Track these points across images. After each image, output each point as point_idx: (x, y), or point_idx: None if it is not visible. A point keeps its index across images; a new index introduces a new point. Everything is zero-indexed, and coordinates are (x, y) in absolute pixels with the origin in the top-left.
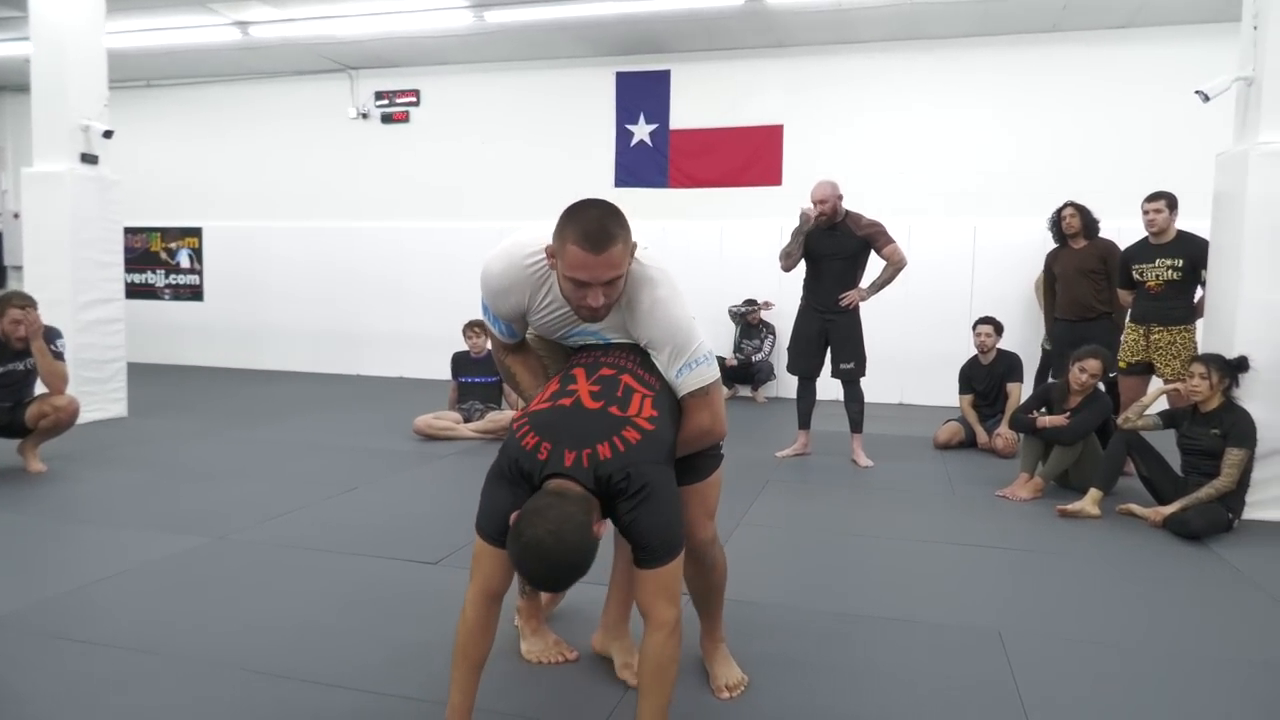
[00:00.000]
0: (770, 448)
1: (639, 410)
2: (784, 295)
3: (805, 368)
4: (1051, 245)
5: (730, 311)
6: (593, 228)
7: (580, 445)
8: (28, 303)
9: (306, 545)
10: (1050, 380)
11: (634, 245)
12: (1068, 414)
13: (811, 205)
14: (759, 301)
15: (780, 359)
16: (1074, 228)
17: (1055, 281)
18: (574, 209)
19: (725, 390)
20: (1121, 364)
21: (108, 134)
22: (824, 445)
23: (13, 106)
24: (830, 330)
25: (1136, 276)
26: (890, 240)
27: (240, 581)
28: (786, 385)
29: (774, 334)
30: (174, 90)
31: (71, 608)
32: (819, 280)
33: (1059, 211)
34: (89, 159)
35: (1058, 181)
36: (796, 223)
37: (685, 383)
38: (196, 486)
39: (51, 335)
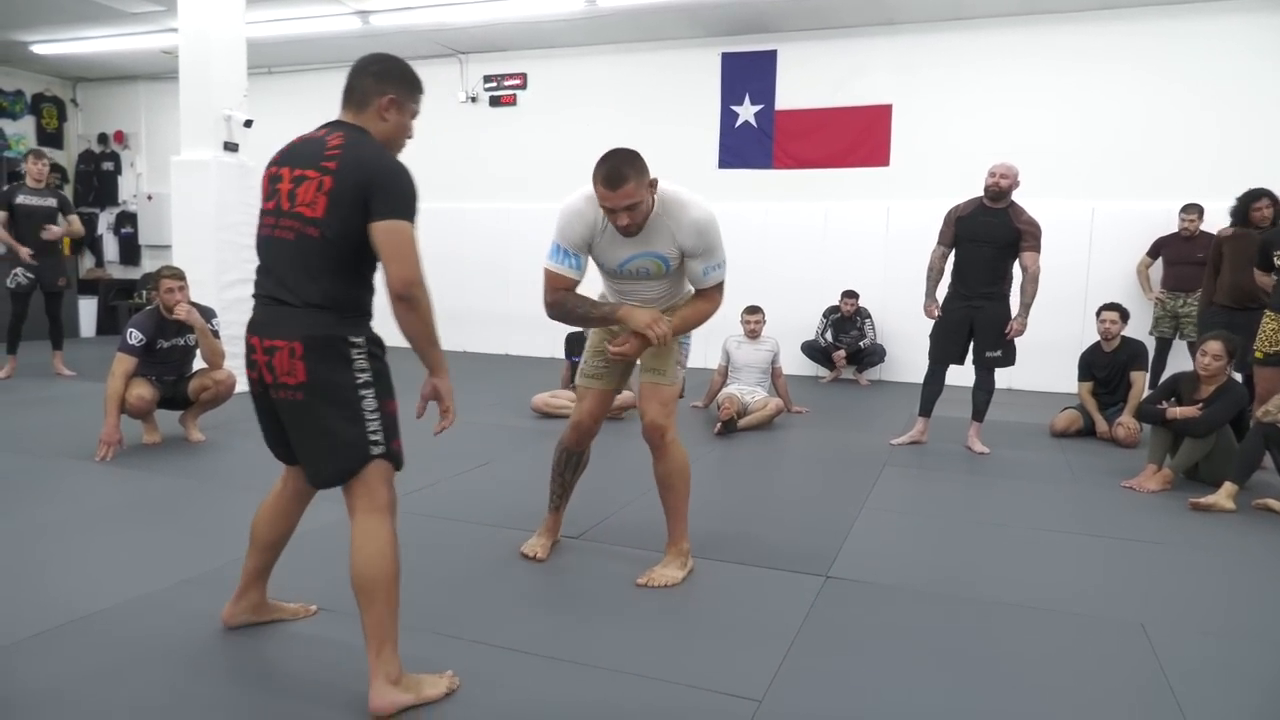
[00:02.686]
0: (879, 432)
1: None
2: (888, 283)
3: (946, 355)
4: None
5: (825, 315)
6: (609, 173)
7: None
8: (177, 273)
9: (455, 516)
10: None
11: (653, 180)
12: (1200, 405)
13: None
14: (855, 292)
15: (891, 340)
16: (1266, 219)
17: (1221, 262)
18: (599, 160)
19: (828, 372)
20: (1259, 354)
21: (248, 123)
22: (935, 430)
23: (147, 95)
24: (976, 317)
25: (1278, 263)
26: (1037, 248)
27: (403, 548)
28: (891, 368)
29: (870, 316)
30: (293, 77)
31: None
32: (967, 267)
33: (1251, 199)
34: (231, 147)
35: (1184, 163)
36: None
37: (710, 278)
38: None
39: (208, 314)
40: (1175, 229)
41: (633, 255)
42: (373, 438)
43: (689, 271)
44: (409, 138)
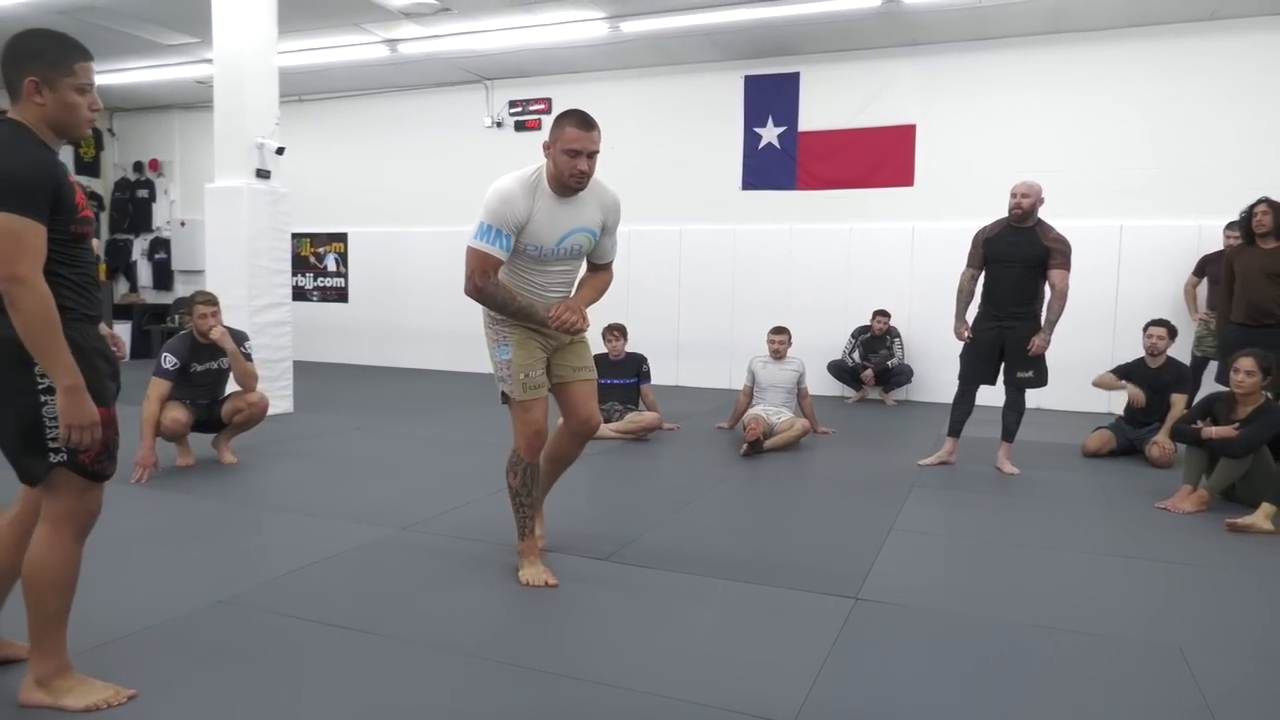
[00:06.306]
0: (906, 453)
1: None
2: (914, 303)
3: (977, 376)
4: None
5: (854, 335)
6: (584, 117)
7: None
8: (211, 299)
9: (482, 538)
10: (1213, 388)
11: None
12: (1236, 425)
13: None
14: (887, 312)
15: (918, 360)
16: (1265, 226)
17: (1234, 281)
18: (566, 111)
19: (854, 392)
20: None
21: (280, 150)
22: (964, 451)
23: (181, 123)
24: (1007, 337)
25: None
26: (1067, 265)
27: (432, 570)
28: (917, 388)
29: (900, 336)
30: (323, 104)
31: (293, 589)
32: (997, 287)
33: (1251, 207)
34: (263, 174)
35: (1211, 181)
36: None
37: (613, 253)
38: (370, 479)
39: (240, 338)
40: (1219, 247)
41: (571, 230)
42: (51, 445)
43: (599, 247)
44: (93, 110)
